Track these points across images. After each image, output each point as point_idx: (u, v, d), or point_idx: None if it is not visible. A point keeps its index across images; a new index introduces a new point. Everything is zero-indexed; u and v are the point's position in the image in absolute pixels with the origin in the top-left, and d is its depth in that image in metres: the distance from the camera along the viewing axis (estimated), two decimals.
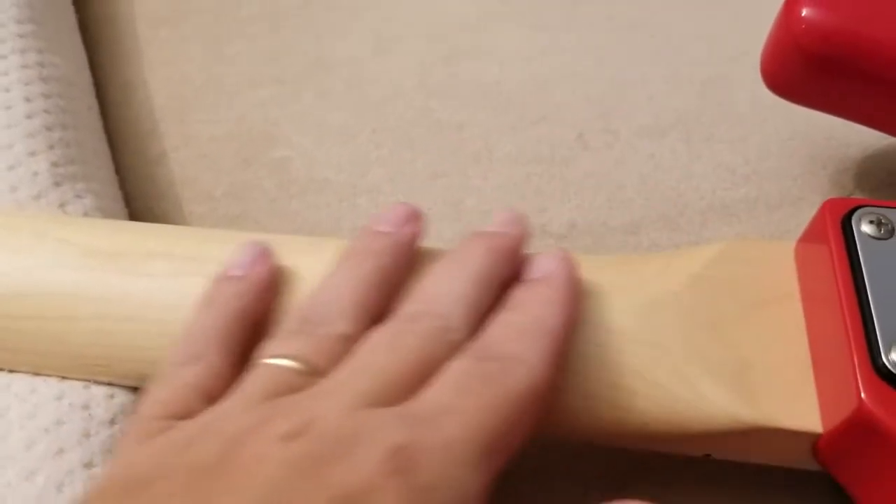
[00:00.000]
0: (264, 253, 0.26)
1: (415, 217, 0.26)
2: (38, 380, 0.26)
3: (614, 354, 0.23)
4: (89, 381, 0.25)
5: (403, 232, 0.26)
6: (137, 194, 0.38)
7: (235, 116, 0.41)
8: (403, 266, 0.25)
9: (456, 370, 0.21)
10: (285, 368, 0.22)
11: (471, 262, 0.24)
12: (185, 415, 0.21)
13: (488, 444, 0.20)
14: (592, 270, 0.25)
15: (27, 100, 0.33)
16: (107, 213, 0.31)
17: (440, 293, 0.24)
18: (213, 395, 0.22)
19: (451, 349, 0.22)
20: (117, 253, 0.26)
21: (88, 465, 0.23)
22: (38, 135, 0.32)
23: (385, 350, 0.22)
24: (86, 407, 0.25)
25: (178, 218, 0.38)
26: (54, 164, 0.31)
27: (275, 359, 0.22)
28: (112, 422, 0.25)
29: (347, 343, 0.23)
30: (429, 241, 0.28)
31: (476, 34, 0.43)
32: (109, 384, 0.26)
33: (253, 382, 0.22)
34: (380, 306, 0.24)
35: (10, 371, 0.26)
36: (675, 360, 0.23)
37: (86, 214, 0.30)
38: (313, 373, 0.22)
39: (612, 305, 0.24)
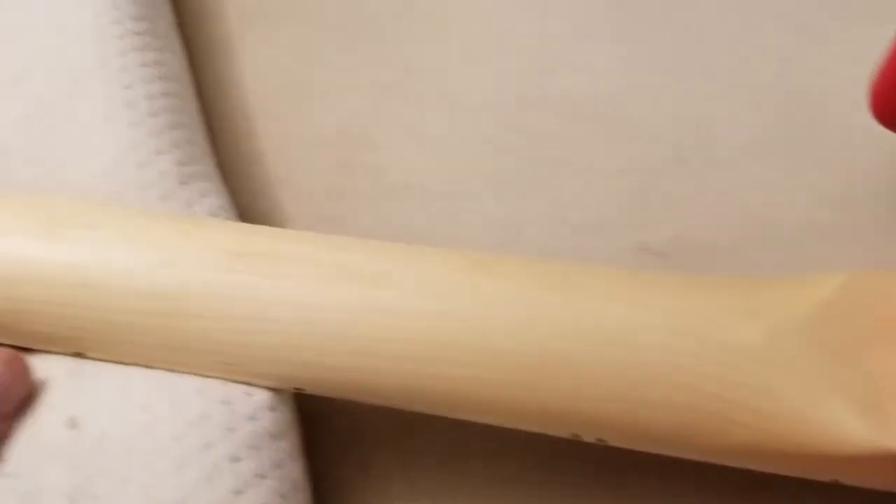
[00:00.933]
0: None
1: None
2: (175, 375, 0.26)
3: (745, 376, 0.24)
4: (232, 380, 0.26)
5: None
6: (235, 193, 0.39)
7: (330, 119, 0.42)
8: None
9: None
10: None
11: None
12: None
13: None
14: (717, 290, 0.26)
15: (149, 98, 0.34)
16: (229, 213, 0.32)
17: None
18: None
19: None
20: (257, 254, 0.27)
21: (234, 458, 0.24)
22: (162, 133, 0.33)
23: None
24: (227, 402, 0.26)
25: (276, 217, 0.39)
26: (179, 163, 0.32)
27: None
28: (252, 417, 0.26)
29: None
30: (534, 254, 0.29)
31: (569, 48, 0.44)
32: (247, 383, 0.26)
33: None
34: None
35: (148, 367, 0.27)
36: (806, 382, 0.24)
37: (212, 214, 0.31)
38: None
39: (740, 327, 0.25)
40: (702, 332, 0.25)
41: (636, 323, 0.25)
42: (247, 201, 0.39)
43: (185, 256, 0.27)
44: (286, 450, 0.26)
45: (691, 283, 0.27)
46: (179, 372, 0.27)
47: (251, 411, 0.26)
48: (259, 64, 0.45)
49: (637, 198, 0.38)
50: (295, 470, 0.26)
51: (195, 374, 0.27)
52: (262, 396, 0.27)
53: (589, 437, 0.26)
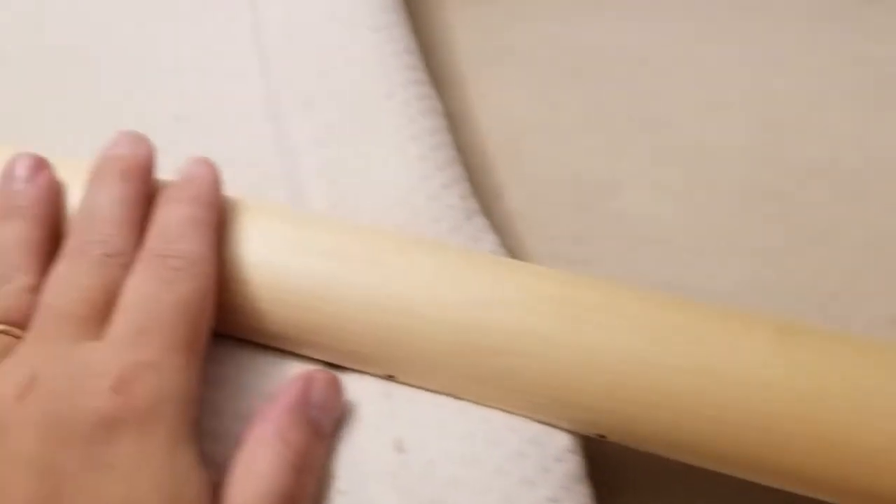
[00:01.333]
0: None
1: (44, 167, 0.30)
2: (485, 409, 0.27)
3: None
4: (534, 419, 0.27)
5: (40, 181, 0.29)
6: None
7: (569, 161, 0.43)
8: (53, 213, 0.29)
9: (136, 288, 0.25)
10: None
11: (111, 188, 0.28)
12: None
13: (188, 342, 0.25)
14: None
15: (430, 132, 0.35)
16: (504, 252, 0.33)
17: (96, 220, 0.27)
18: None
19: (123, 268, 0.26)
20: (565, 299, 0.27)
21: (554, 500, 0.25)
22: (445, 168, 0.34)
23: (68, 292, 0.25)
24: (537, 442, 0.26)
25: (521, 256, 0.40)
26: (462, 198, 0.33)
27: None
28: (559, 459, 0.26)
29: (33, 293, 0.26)
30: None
31: (810, 110, 0.44)
32: (550, 424, 0.27)
33: None
34: (48, 253, 0.28)
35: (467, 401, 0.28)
36: None
37: (493, 251, 0.32)
38: (12, 327, 0.26)
39: None
40: None
41: None
42: None
43: (503, 296, 0.28)
44: (587, 495, 0.27)
45: None
46: (487, 405, 0.27)
47: (557, 453, 0.27)
48: (491, 100, 0.46)
49: (886, 270, 0.38)
50: None
51: (501, 409, 0.27)
52: (563, 439, 0.27)
53: None
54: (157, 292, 0.25)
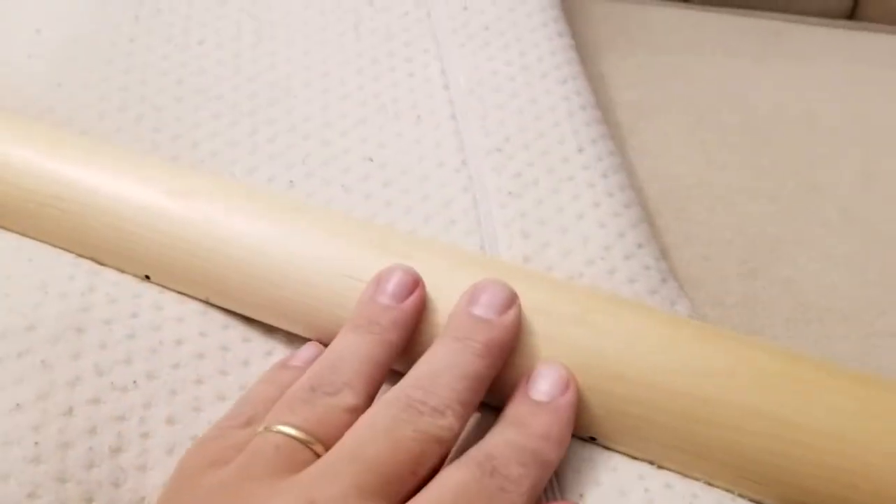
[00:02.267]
0: (321, 352, 0.28)
1: (416, 286, 0.28)
2: (696, 484, 0.27)
3: None
4: (753, 498, 0.26)
5: (406, 306, 0.28)
6: None
7: (734, 224, 0.43)
8: (406, 340, 0.28)
9: (456, 480, 0.23)
10: (290, 438, 0.24)
11: (471, 357, 0.26)
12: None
13: None
14: None
15: (621, 188, 0.35)
16: (695, 315, 0.33)
17: (440, 385, 0.25)
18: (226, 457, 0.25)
19: (444, 447, 0.25)
20: (788, 376, 0.27)
21: None
22: (637, 226, 0.34)
23: (383, 439, 0.24)
24: None
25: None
26: (656, 258, 0.33)
27: (282, 426, 0.24)
28: None
29: (353, 415, 0.25)
30: None
31: None
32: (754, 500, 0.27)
33: (258, 451, 0.24)
34: (382, 379, 0.27)
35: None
36: None
37: (689, 315, 0.32)
38: (317, 443, 0.24)
39: None
40: None
41: None
42: None
43: (717, 365, 0.27)
44: None
45: None
46: (692, 478, 0.27)
47: None
48: (653, 156, 0.46)
49: None
50: None
51: (706, 481, 0.27)
52: None
53: None
54: (475, 500, 0.23)
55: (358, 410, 0.25)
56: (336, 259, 0.30)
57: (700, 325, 0.30)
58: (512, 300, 0.28)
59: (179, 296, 0.31)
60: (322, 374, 0.26)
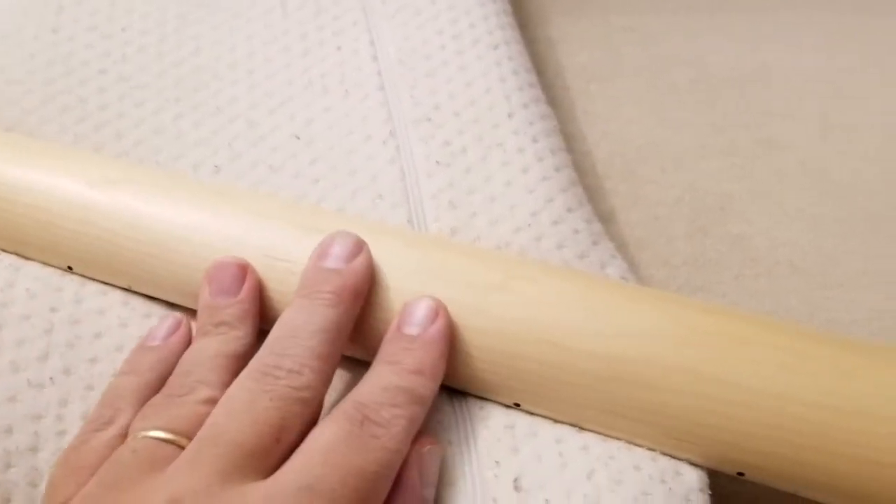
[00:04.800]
0: (179, 324, 0.29)
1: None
2: (609, 446, 0.27)
3: None
4: (671, 455, 0.26)
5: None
6: None
7: (685, 183, 0.42)
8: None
9: (326, 438, 0.23)
10: (157, 440, 0.24)
11: (322, 309, 0.26)
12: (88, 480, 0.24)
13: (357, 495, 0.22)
14: None
15: (552, 151, 0.35)
16: (633, 277, 0.32)
17: (293, 345, 0.25)
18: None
19: (308, 407, 0.25)
20: (716, 333, 0.27)
21: None
22: (568, 189, 0.34)
23: (241, 416, 0.24)
24: (663, 481, 0.26)
25: (637, 282, 0.39)
26: (587, 221, 0.33)
27: (140, 432, 0.25)
28: (687, 499, 0.26)
29: (213, 405, 0.25)
30: None
31: None
32: (677, 458, 0.27)
33: (116, 460, 0.24)
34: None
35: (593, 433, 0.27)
36: None
37: (622, 277, 0.32)
38: (181, 437, 0.24)
39: None
40: None
41: None
42: None
43: (642, 326, 0.27)
44: None
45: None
46: (610, 436, 0.27)
47: (685, 492, 0.26)
48: (602, 120, 0.45)
49: None
50: None
51: (628, 440, 0.27)
52: (692, 478, 0.27)
53: None
54: (346, 455, 0.23)
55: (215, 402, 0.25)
56: (257, 241, 0.30)
57: (626, 287, 0.30)
58: (359, 247, 0.28)
59: (102, 287, 0.31)
60: (177, 376, 0.27)
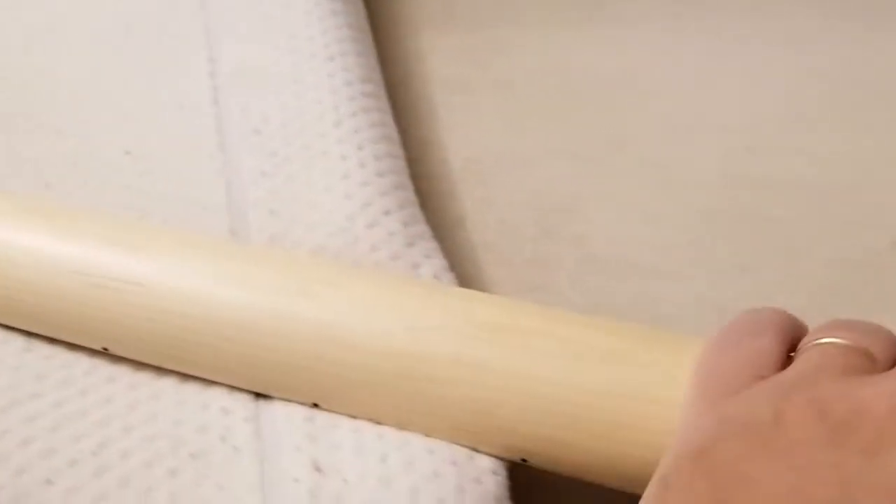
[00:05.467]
0: None
1: None
2: (405, 433, 0.28)
3: None
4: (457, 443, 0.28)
5: None
6: None
7: (533, 187, 0.44)
8: None
9: None
10: (839, 345, 0.23)
11: None
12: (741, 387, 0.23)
13: None
14: None
15: (377, 158, 0.36)
16: (450, 276, 0.34)
17: None
18: (763, 374, 0.24)
19: None
20: (501, 326, 0.28)
21: None
22: (388, 193, 0.35)
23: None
24: (455, 463, 0.27)
25: (480, 282, 0.40)
26: (405, 224, 0.34)
27: (827, 338, 0.24)
28: (478, 480, 0.27)
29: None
30: None
31: (780, 130, 0.44)
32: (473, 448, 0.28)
33: (806, 360, 0.23)
34: None
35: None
36: None
37: (436, 276, 0.33)
38: (866, 355, 0.23)
39: None
40: None
41: None
42: (451, 263, 0.41)
43: (429, 322, 0.28)
44: None
45: None
46: (408, 430, 0.28)
47: (476, 474, 0.27)
48: (462, 128, 0.47)
49: (855, 287, 0.38)
50: None
51: (423, 433, 0.28)
52: (485, 461, 0.28)
53: None
54: None
55: None
56: (64, 257, 0.30)
57: (424, 285, 0.31)
58: None
59: None
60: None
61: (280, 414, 0.29)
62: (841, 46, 0.49)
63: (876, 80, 0.47)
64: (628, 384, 0.27)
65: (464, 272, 0.41)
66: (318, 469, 0.27)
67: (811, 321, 0.38)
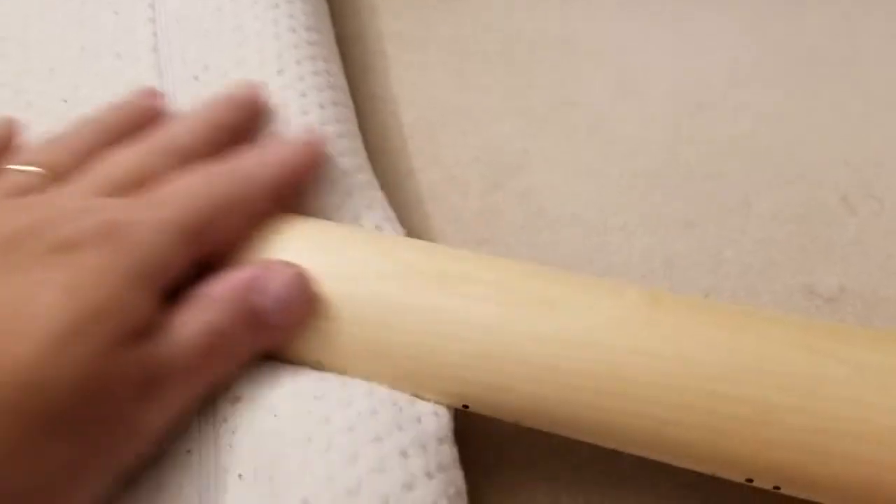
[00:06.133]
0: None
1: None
2: (344, 377, 0.28)
3: None
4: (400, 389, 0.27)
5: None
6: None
7: (482, 143, 0.44)
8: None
9: (183, 175, 0.28)
10: (28, 173, 0.28)
11: (212, 111, 0.32)
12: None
13: (191, 227, 0.27)
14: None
15: (321, 106, 0.36)
16: (393, 226, 0.33)
17: (181, 126, 0.31)
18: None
19: (183, 160, 0.29)
20: (437, 273, 0.28)
21: (403, 454, 0.25)
22: (331, 143, 0.34)
23: (123, 159, 0.29)
24: (395, 404, 0.27)
25: (427, 235, 0.40)
26: (344, 173, 0.34)
27: (19, 165, 0.28)
28: (418, 420, 0.27)
29: (89, 155, 0.29)
30: (684, 291, 0.29)
31: (725, 89, 0.44)
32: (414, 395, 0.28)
33: None
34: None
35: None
36: None
37: (378, 227, 0.33)
38: (55, 178, 0.28)
39: None
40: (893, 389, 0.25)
41: (823, 373, 0.25)
42: (399, 216, 0.41)
43: (367, 268, 0.28)
44: (450, 454, 0.27)
45: (880, 338, 0.26)
46: (348, 375, 0.28)
47: (417, 414, 0.27)
48: (413, 85, 0.47)
49: (802, 241, 0.38)
50: (458, 476, 0.27)
51: (364, 378, 0.28)
52: (426, 404, 0.27)
53: (764, 484, 0.26)
54: (197, 186, 0.28)
55: (96, 153, 0.30)
56: None
57: (361, 233, 0.31)
58: None
59: None
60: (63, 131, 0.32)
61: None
62: (787, 4, 0.49)
63: (820, 38, 0.47)
64: (558, 328, 0.27)
65: (411, 225, 0.41)
66: (248, 406, 0.27)
67: (759, 275, 0.38)
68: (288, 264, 0.28)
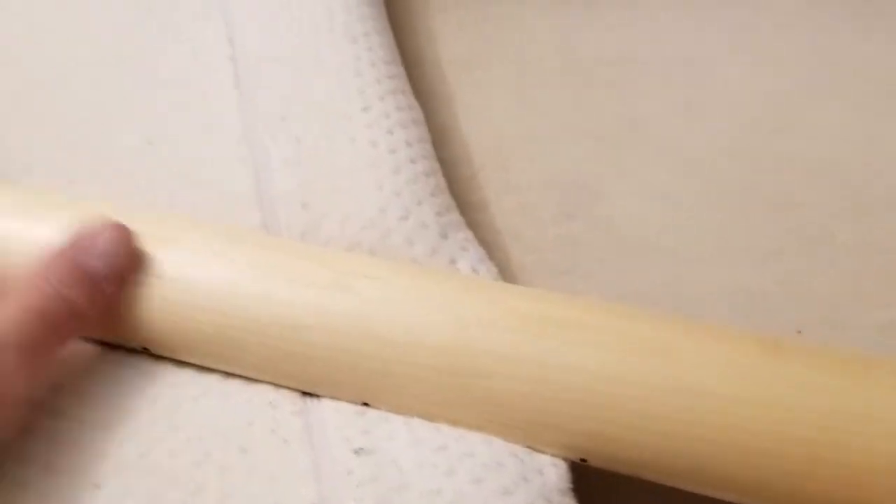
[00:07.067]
0: None
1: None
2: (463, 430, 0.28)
3: None
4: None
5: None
6: None
7: (554, 168, 0.44)
8: None
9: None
10: None
11: None
12: None
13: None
14: None
15: (408, 144, 0.36)
16: (488, 267, 0.33)
17: None
18: None
19: None
20: (552, 320, 0.28)
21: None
22: (419, 181, 0.35)
23: None
24: (515, 455, 0.27)
25: (507, 268, 0.40)
26: (438, 214, 0.34)
27: None
28: (540, 472, 0.27)
29: None
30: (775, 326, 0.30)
31: (795, 109, 0.44)
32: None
33: None
34: None
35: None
36: None
37: (473, 270, 0.33)
38: None
39: None
40: None
41: None
42: None
43: (476, 317, 0.28)
44: None
45: None
46: (462, 427, 0.28)
47: (538, 466, 0.27)
48: (478, 110, 0.46)
49: (887, 272, 0.38)
50: None
51: (477, 431, 0.28)
52: (544, 455, 0.28)
53: None
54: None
55: None
56: None
57: (465, 279, 0.31)
58: None
59: None
60: None
61: (329, 407, 0.29)
62: (868, 24, 0.49)
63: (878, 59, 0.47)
64: (679, 378, 0.27)
65: (491, 259, 0.41)
66: (371, 458, 0.27)
67: (840, 308, 0.38)
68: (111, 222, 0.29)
